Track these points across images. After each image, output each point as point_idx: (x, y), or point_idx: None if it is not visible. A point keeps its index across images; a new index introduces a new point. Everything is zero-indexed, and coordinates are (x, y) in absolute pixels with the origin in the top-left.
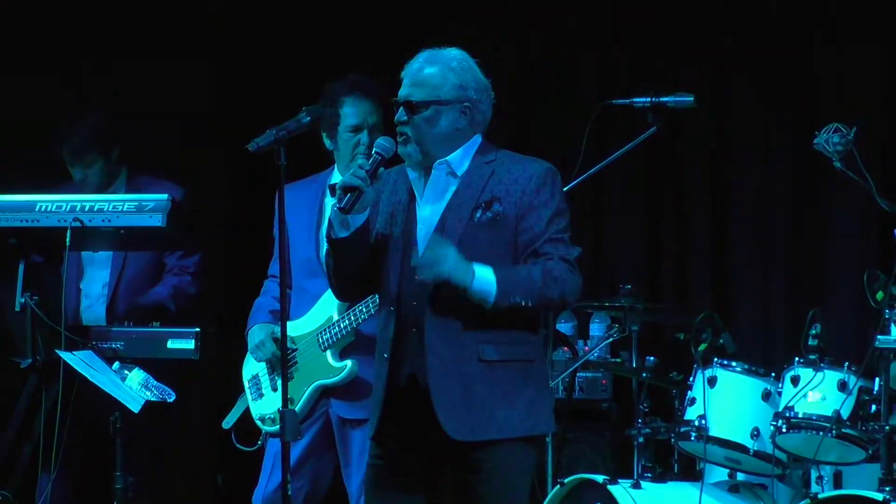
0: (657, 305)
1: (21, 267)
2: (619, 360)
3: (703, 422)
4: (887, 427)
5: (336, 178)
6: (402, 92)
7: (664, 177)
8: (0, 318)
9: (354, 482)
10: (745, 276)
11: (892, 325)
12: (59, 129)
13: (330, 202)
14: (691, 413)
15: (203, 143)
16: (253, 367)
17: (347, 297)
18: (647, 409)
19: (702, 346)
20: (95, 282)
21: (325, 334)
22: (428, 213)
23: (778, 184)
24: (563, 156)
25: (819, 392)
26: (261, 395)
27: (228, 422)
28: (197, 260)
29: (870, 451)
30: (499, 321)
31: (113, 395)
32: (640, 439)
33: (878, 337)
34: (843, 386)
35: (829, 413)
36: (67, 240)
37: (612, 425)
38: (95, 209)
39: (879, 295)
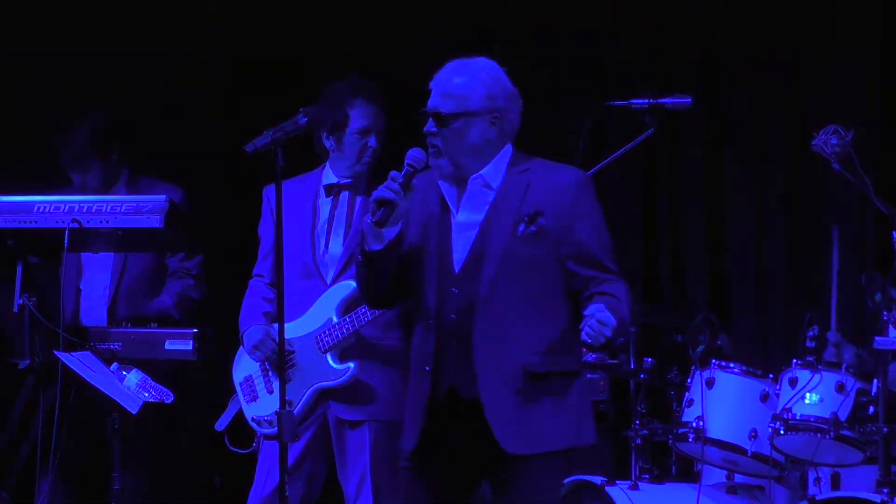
0: (655, 307)
1: (19, 268)
2: (616, 361)
3: (701, 423)
4: (885, 429)
5: (328, 177)
6: (432, 103)
7: (661, 178)
8: None
9: (351, 483)
10: (742, 277)
11: (891, 326)
12: (58, 134)
13: (324, 202)
14: (689, 415)
15: (199, 143)
16: (245, 369)
17: (381, 305)
18: (644, 411)
19: (700, 348)
20: (96, 284)
21: (326, 336)
22: (464, 227)
23: (776, 186)
24: (561, 157)
25: (817, 394)
26: (255, 398)
27: (221, 424)
28: (199, 262)
29: (867, 453)
30: (545, 334)
31: (111, 395)
32: (638, 441)
33: (876, 339)
34: (840, 388)
35: (826, 415)
36: (66, 241)
37: (610, 427)
38: (94, 210)
39: (878, 297)
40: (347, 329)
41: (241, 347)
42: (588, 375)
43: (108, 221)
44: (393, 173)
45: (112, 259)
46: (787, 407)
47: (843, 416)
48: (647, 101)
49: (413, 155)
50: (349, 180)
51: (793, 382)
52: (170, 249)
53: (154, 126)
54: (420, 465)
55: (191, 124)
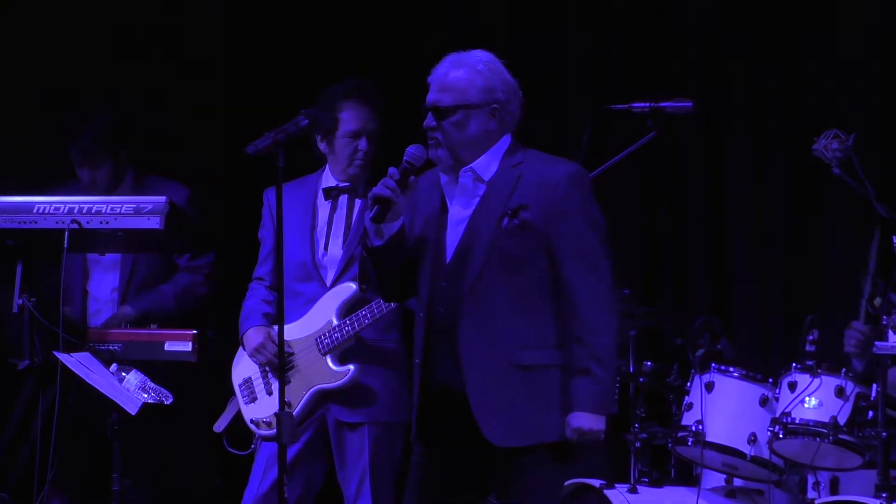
0: (655, 310)
1: (19, 268)
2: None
3: (701, 427)
4: (884, 433)
5: (327, 180)
6: (430, 97)
7: (663, 181)
8: None
9: (351, 485)
10: (743, 281)
11: (890, 331)
12: (68, 127)
13: (323, 205)
14: (688, 418)
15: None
16: (245, 371)
17: (393, 299)
18: (644, 414)
19: (700, 352)
20: (104, 285)
21: (326, 338)
22: (457, 220)
23: (776, 189)
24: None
25: (816, 398)
26: (254, 399)
27: (220, 425)
28: (210, 260)
29: (867, 458)
30: (531, 328)
31: (110, 396)
32: (637, 444)
33: (876, 343)
34: (840, 392)
35: (826, 419)
36: (66, 241)
37: (609, 430)
38: (94, 211)
39: (878, 301)
40: (347, 331)
41: (240, 349)
42: None
43: (107, 222)
44: (391, 170)
45: (120, 260)
46: (786, 411)
47: (842, 421)
48: (647, 104)
49: (411, 152)
50: (347, 183)
51: (792, 386)
52: (170, 250)
53: (155, 126)
54: (419, 456)
55: (191, 124)
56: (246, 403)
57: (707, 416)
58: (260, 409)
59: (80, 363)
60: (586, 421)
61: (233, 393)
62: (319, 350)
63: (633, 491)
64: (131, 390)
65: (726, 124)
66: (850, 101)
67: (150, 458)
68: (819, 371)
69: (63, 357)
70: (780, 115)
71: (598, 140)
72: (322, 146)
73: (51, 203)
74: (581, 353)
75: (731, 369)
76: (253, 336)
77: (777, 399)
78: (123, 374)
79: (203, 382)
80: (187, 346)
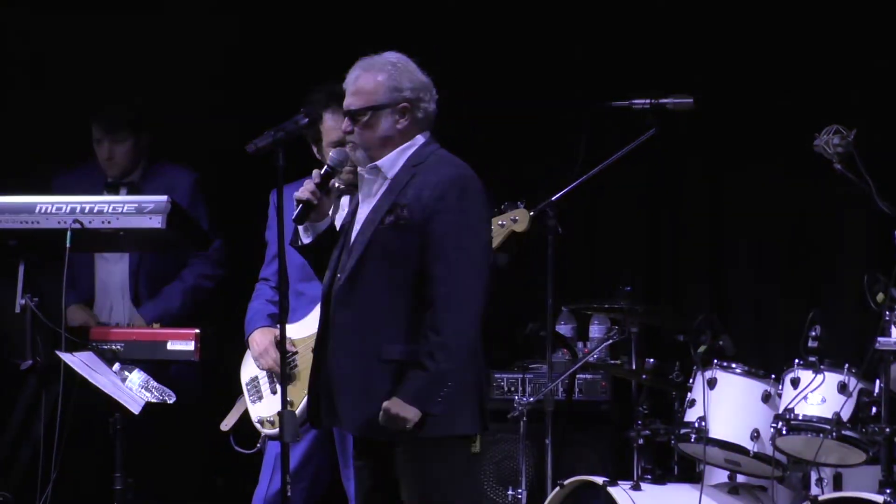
0: (656, 307)
1: (21, 268)
2: (618, 362)
3: (703, 423)
4: (888, 429)
5: None
6: (345, 102)
7: (663, 178)
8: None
9: (353, 484)
10: (744, 277)
11: (893, 326)
12: (93, 106)
13: None
14: (691, 415)
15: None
16: (252, 370)
17: None
18: (646, 411)
19: (701, 348)
20: (112, 285)
21: None
22: (360, 216)
23: (777, 185)
24: (562, 158)
25: (819, 394)
26: (260, 398)
27: (227, 424)
28: (217, 246)
29: (870, 453)
30: (404, 324)
31: (113, 396)
32: (640, 441)
33: (879, 339)
34: (843, 388)
35: (829, 415)
36: (68, 241)
37: (612, 427)
38: (95, 210)
39: (880, 297)
40: None
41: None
42: (589, 376)
43: (109, 222)
44: (314, 172)
45: (127, 258)
46: (789, 407)
47: (845, 417)
48: (648, 101)
49: (332, 156)
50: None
51: (795, 382)
52: (172, 249)
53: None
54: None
55: (191, 125)
56: (252, 402)
57: (710, 412)
58: (265, 408)
59: (82, 362)
60: (397, 406)
61: (238, 391)
62: None
63: (636, 488)
64: (134, 390)
65: (726, 120)
66: (850, 96)
67: (152, 458)
68: (822, 367)
69: (66, 356)
70: (780, 113)
71: (598, 138)
72: (315, 150)
73: (52, 203)
74: (423, 347)
75: (734, 365)
76: (258, 339)
77: (780, 395)
78: (126, 373)
79: (206, 381)
80: (189, 346)
